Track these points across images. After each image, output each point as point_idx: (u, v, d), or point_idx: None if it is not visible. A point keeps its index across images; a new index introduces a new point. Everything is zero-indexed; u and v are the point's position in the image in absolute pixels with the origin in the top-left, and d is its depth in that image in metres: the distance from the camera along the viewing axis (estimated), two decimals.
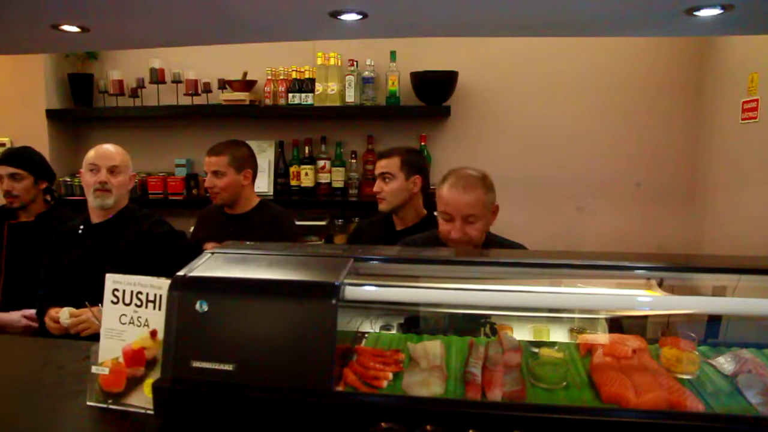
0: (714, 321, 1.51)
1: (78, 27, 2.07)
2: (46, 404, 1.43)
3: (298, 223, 2.85)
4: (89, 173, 2.31)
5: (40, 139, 3.60)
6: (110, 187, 2.29)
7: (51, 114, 3.63)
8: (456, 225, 1.91)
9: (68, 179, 3.70)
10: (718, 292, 1.47)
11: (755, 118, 2.73)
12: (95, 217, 2.36)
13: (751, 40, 2.81)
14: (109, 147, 2.36)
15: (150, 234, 2.35)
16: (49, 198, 2.75)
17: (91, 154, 2.33)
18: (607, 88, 3.44)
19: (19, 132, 3.62)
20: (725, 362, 1.34)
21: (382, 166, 2.46)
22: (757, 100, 2.72)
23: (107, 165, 2.30)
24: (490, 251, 1.98)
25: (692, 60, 3.35)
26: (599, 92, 3.45)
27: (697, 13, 1.79)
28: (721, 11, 1.75)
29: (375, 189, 2.47)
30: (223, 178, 2.55)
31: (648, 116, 3.43)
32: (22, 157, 2.67)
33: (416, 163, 2.48)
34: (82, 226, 2.38)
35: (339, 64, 3.42)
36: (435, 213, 2.57)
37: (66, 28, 2.07)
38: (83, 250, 2.31)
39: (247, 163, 2.63)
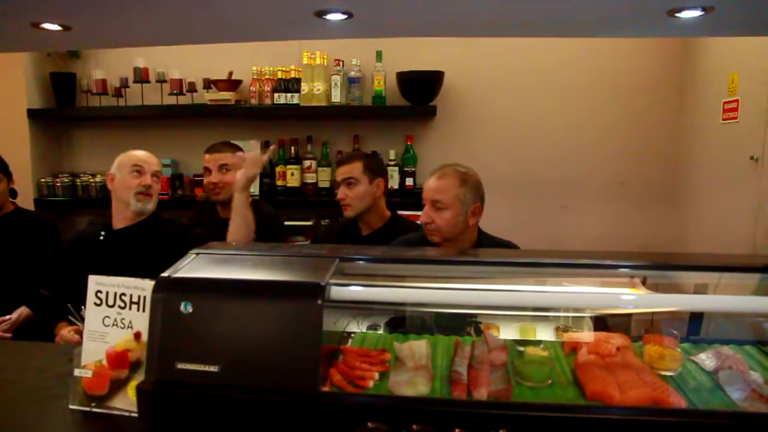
0: (696, 318, 1.53)
1: (59, 25, 2.04)
2: (27, 408, 1.41)
3: (284, 223, 2.84)
4: (130, 175, 2.22)
5: (21, 139, 3.56)
6: (152, 192, 2.24)
7: (32, 114, 3.58)
8: (426, 209, 1.96)
9: (50, 180, 3.65)
10: (700, 289, 1.49)
11: (735, 118, 2.77)
12: (119, 223, 2.26)
13: (732, 42, 2.85)
14: (143, 152, 2.30)
15: (168, 237, 2.27)
16: (12, 199, 2.71)
17: (134, 155, 2.26)
18: (591, 89, 3.47)
19: None
20: (707, 359, 1.36)
21: (344, 171, 2.40)
22: (737, 101, 2.76)
23: (152, 170, 2.25)
24: (476, 250, 1.99)
25: (675, 61, 3.40)
26: (583, 92, 3.48)
27: (678, 15, 1.81)
28: (701, 13, 1.78)
29: (339, 196, 2.41)
30: (228, 174, 2.54)
31: (631, 116, 3.47)
32: None
33: (378, 166, 2.47)
34: (103, 233, 2.27)
35: (325, 64, 3.41)
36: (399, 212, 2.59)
37: (47, 26, 2.04)
38: (106, 258, 2.19)
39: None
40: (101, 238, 2.26)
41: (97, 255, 2.22)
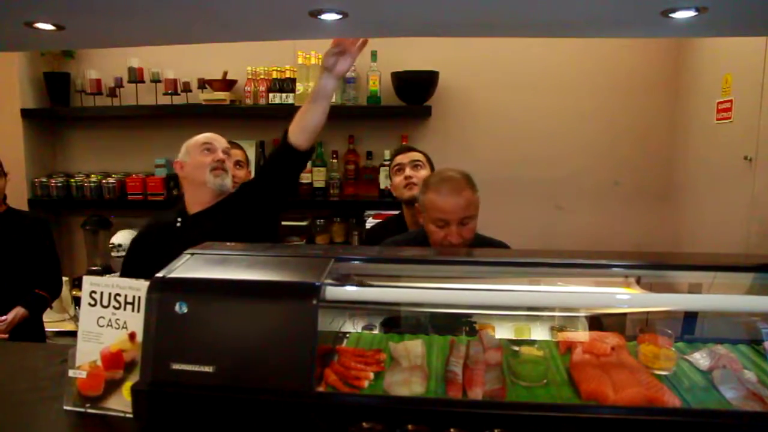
0: (690, 317, 1.53)
1: (53, 25, 2.03)
2: (21, 410, 1.40)
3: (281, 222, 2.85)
4: (202, 154, 2.17)
5: (14, 139, 3.54)
6: (227, 167, 2.18)
7: (26, 113, 3.56)
8: (453, 230, 1.86)
9: (44, 180, 3.63)
10: (695, 289, 1.49)
11: (729, 118, 2.79)
12: (195, 207, 2.19)
13: (725, 42, 2.86)
14: (214, 134, 2.28)
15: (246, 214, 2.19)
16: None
17: (201, 136, 2.22)
18: (586, 88, 3.48)
19: None
20: (701, 358, 1.36)
21: (412, 156, 2.55)
22: (731, 101, 2.77)
23: (223, 146, 2.21)
24: (471, 250, 1.99)
25: (669, 61, 3.41)
26: (578, 92, 3.49)
27: (672, 15, 1.81)
28: (695, 13, 1.78)
29: (408, 173, 2.48)
30: (242, 170, 2.58)
31: (626, 116, 3.48)
32: None
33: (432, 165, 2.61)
34: (179, 219, 2.19)
35: (320, 63, 3.39)
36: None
37: (40, 25, 2.03)
38: (185, 243, 2.06)
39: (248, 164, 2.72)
40: (177, 224, 2.18)
41: (174, 242, 2.07)
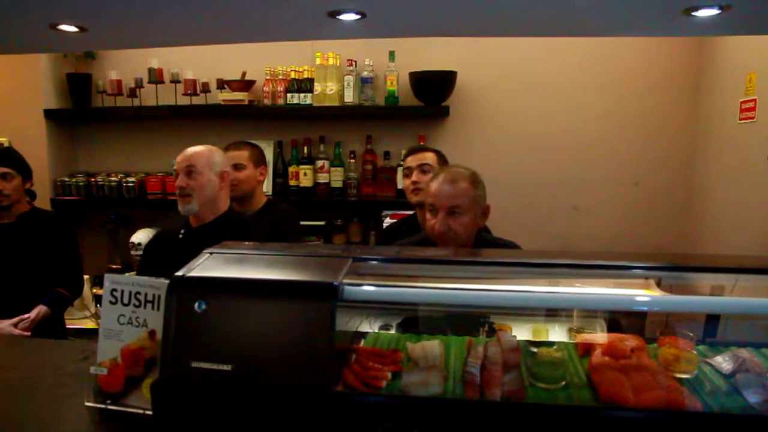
0: (712, 320, 1.51)
1: (76, 27, 2.06)
2: (44, 405, 1.43)
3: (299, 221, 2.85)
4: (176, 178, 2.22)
5: (38, 139, 3.60)
6: (189, 191, 2.17)
7: (49, 114, 3.62)
8: (439, 217, 1.85)
9: (66, 179, 3.70)
10: (717, 291, 1.47)
11: (753, 118, 2.74)
12: (194, 221, 2.26)
13: (749, 41, 2.81)
14: (190, 148, 2.23)
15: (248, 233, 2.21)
16: (28, 199, 2.73)
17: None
18: (606, 88, 3.45)
19: (16, 132, 3.60)
20: (723, 361, 1.34)
21: (421, 158, 2.48)
22: (755, 100, 2.73)
23: (183, 168, 2.18)
24: (489, 251, 1.98)
25: (691, 60, 3.36)
26: (598, 92, 3.46)
27: (695, 14, 1.79)
28: (719, 11, 1.76)
29: (414, 179, 2.45)
30: (243, 171, 2.59)
31: (646, 116, 3.43)
32: (11, 157, 2.66)
33: (446, 161, 2.55)
34: (182, 231, 2.27)
35: (338, 64, 3.41)
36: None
37: (64, 27, 2.06)
38: (185, 255, 2.16)
39: (263, 161, 2.71)
40: (180, 236, 2.26)
41: (176, 253, 2.19)
